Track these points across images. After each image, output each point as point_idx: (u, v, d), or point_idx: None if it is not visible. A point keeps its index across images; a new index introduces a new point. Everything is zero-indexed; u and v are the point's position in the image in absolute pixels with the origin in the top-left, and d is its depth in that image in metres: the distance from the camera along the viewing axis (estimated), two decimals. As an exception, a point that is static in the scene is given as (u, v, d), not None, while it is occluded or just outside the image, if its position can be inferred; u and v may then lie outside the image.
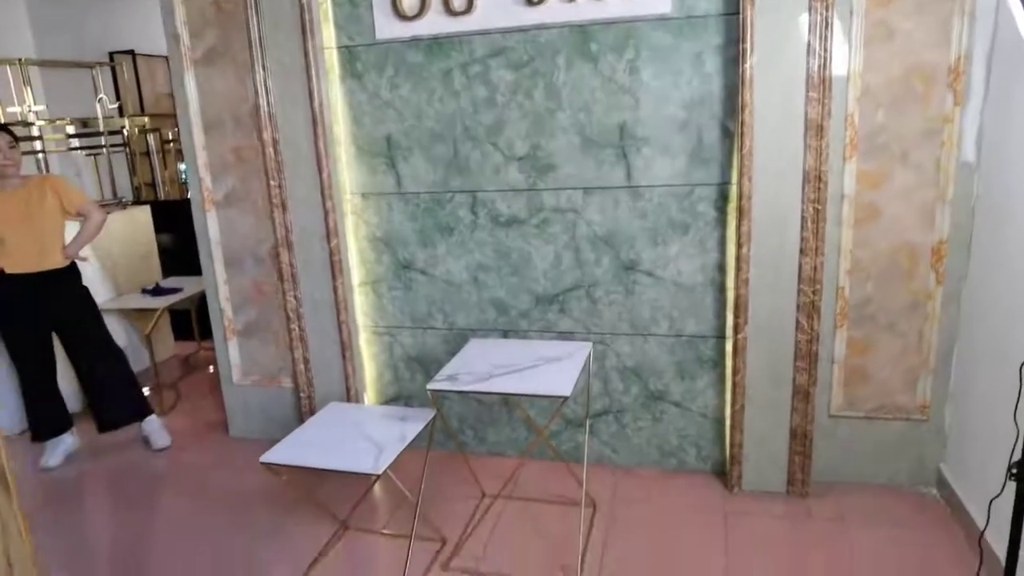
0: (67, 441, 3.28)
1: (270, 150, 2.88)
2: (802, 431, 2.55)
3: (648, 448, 2.85)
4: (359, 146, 2.87)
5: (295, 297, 2.99)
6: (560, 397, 2.08)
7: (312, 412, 3.12)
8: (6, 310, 3.04)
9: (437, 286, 2.91)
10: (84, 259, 3.18)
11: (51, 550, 2.57)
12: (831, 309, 2.51)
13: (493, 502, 2.69)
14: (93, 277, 3.73)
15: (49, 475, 3.16)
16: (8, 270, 2.96)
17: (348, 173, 2.93)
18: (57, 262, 3.05)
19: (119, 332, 4.03)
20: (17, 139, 3.00)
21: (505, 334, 2.88)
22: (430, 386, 2.21)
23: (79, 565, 2.52)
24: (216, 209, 3.12)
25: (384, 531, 2.57)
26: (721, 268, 2.59)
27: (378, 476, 1.97)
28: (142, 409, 3.34)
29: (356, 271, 3.00)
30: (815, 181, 2.34)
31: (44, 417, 3.22)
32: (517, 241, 2.79)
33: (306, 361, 3.06)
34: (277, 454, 2.11)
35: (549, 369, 2.27)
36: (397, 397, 3.11)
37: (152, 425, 3.35)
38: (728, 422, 2.70)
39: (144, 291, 3.97)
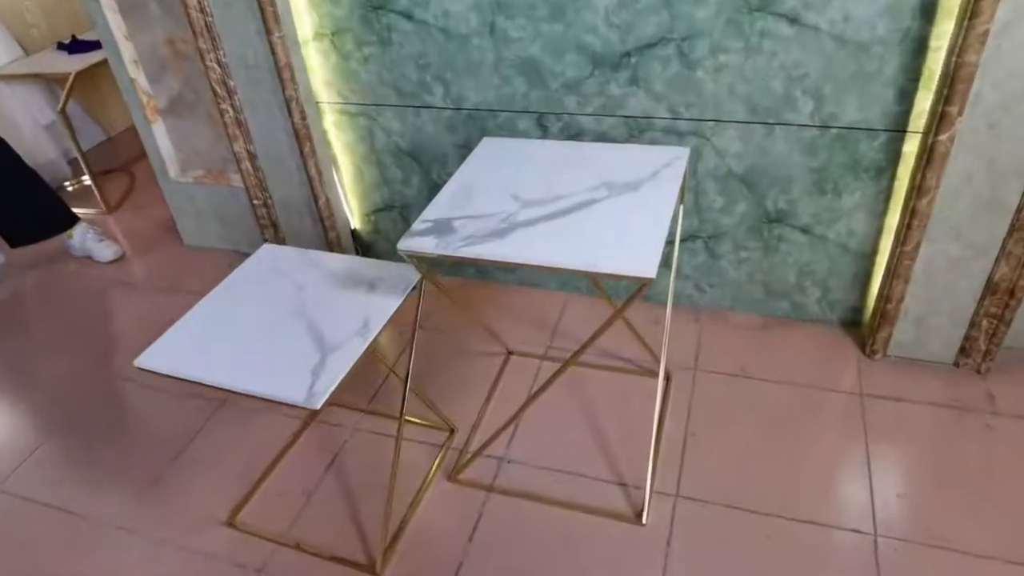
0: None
1: None
2: (1008, 286, 1.60)
3: (750, 286, 1.96)
4: None
5: (218, 62, 1.94)
6: (639, 280, 1.15)
7: (274, 225, 2.25)
8: None
9: (431, 39, 1.82)
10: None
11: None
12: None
13: (520, 364, 1.91)
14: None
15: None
16: None
17: None
18: None
19: (46, 104, 3.08)
20: None
21: (541, 121, 1.85)
22: (402, 246, 1.28)
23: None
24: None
25: (364, 410, 1.84)
26: (926, 11, 1.43)
27: (316, 412, 1.15)
28: (60, 220, 2.52)
29: (305, 17, 1.90)
30: None
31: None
32: (561, -41, 1.62)
33: (251, 156, 2.11)
34: (154, 357, 1.29)
35: (616, 208, 1.30)
36: (388, 207, 2.20)
37: (82, 238, 2.55)
38: (884, 260, 1.75)
39: (60, 46, 2.92)
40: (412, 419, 1.78)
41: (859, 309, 1.90)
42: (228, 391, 1.21)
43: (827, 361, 1.83)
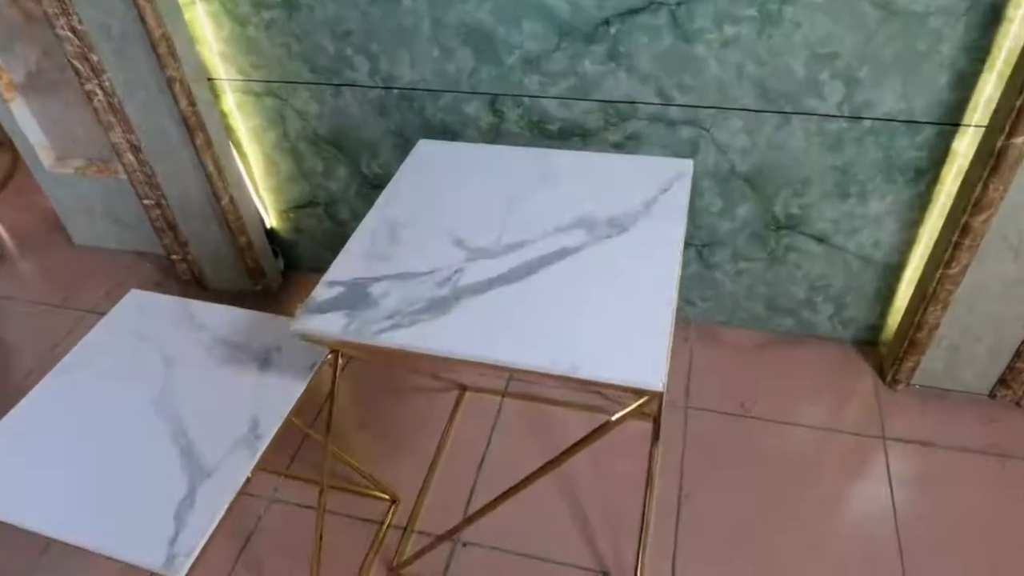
0: None
1: None
2: (1071, 309, 1.31)
3: (749, 301, 1.64)
4: None
5: (72, 30, 1.49)
6: (642, 392, 0.81)
7: (172, 228, 1.83)
8: None
9: (350, 1, 1.40)
10: None
11: None
12: None
13: (476, 402, 1.58)
14: None
15: None
16: None
17: None
18: None
19: None
20: None
21: (494, 105, 1.46)
22: (298, 327, 0.91)
23: None
24: None
25: (284, 473, 1.50)
26: (1005, -37, 1.07)
27: (180, 582, 0.81)
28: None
29: (182, -33, 1.45)
30: None
31: None
32: None
33: (134, 148, 1.68)
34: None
35: (599, 261, 0.94)
36: (310, 203, 1.80)
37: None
38: (913, 275, 1.44)
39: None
40: (342, 487, 1.45)
41: (877, 328, 1.59)
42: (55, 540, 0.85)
43: (841, 391, 1.54)
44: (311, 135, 1.64)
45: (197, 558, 0.82)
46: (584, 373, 0.80)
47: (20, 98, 1.85)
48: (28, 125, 1.89)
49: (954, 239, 1.26)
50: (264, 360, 1.04)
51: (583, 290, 0.90)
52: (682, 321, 1.71)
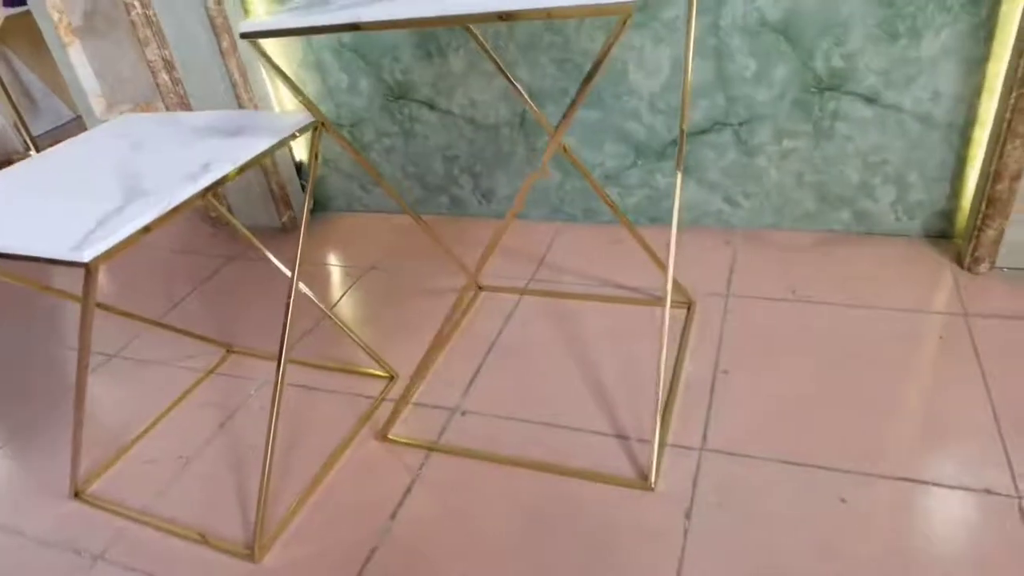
0: None
1: None
2: None
3: (798, 192, 1.47)
4: None
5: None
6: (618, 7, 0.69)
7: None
8: None
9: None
10: None
11: None
12: None
13: (492, 300, 1.45)
14: None
15: None
16: None
17: None
18: None
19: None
20: None
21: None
22: (245, 27, 0.85)
23: None
24: None
25: (303, 361, 1.39)
26: None
27: (86, 266, 0.71)
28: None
29: None
30: None
31: None
32: None
33: (168, 65, 1.72)
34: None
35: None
36: (336, 125, 1.78)
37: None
38: (985, 134, 1.25)
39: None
40: (339, 367, 1.32)
41: (951, 214, 1.39)
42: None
43: (910, 277, 1.32)
44: (334, 44, 1.65)
45: (101, 256, 0.72)
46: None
47: (77, 42, 1.96)
48: (84, 72, 1.99)
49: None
50: (235, 132, 0.97)
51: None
52: (724, 227, 1.55)
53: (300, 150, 1.88)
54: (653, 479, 0.99)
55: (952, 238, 1.41)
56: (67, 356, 1.54)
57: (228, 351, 1.44)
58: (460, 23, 0.78)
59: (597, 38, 1.42)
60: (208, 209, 1.96)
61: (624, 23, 0.75)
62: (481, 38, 1.22)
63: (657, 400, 1.05)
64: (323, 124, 1.01)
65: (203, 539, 1.02)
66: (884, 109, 1.32)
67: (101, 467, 1.19)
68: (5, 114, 2.84)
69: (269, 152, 0.92)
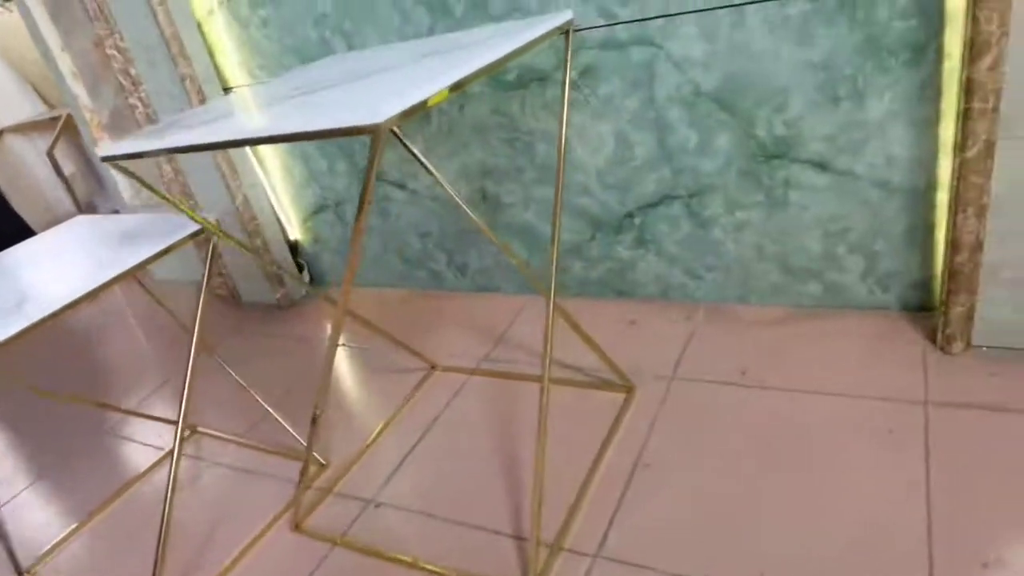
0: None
1: None
2: None
3: (761, 265, 1.37)
4: None
5: (117, 48, 1.73)
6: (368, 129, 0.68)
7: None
8: None
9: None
10: None
11: None
12: None
13: (442, 380, 1.43)
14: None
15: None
16: None
17: None
18: None
19: (65, 155, 3.12)
20: None
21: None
22: (104, 152, 0.90)
23: None
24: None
25: (230, 438, 1.42)
26: None
27: None
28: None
29: (197, -18, 1.66)
30: None
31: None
32: None
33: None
34: None
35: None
36: (322, 207, 1.85)
37: None
38: (952, 193, 1.13)
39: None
40: (281, 452, 1.34)
41: (928, 284, 1.25)
42: None
43: (878, 358, 1.20)
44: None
45: None
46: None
47: (107, 138, 2.16)
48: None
49: (964, 106, 0.99)
50: (130, 240, 1.03)
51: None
52: (689, 300, 1.47)
53: (294, 229, 1.96)
54: (534, 588, 0.93)
55: (933, 310, 1.27)
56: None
57: (193, 431, 1.49)
58: (250, 143, 0.79)
59: (541, 117, 1.41)
60: (215, 288, 2.07)
61: (380, 140, 0.72)
62: (406, 143, 1.24)
63: (566, 498, 0.99)
64: (217, 230, 1.05)
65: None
66: (838, 176, 1.22)
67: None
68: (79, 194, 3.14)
69: (145, 263, 0.97)
